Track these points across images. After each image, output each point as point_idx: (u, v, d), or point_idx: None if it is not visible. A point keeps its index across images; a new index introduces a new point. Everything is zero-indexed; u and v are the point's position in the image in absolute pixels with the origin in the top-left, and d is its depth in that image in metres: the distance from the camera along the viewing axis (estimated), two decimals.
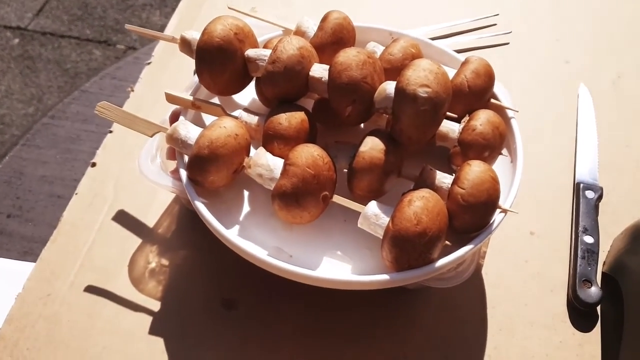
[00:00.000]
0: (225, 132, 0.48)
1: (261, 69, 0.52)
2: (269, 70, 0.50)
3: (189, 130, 0.50)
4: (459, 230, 0.48)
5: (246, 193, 0.54)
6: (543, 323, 0.57)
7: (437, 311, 0.57)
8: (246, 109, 0.54)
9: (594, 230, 0.61)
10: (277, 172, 0.48)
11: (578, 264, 0.59)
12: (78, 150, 0.70)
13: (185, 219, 0.63)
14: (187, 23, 0.82)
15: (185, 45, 0.55)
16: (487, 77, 0.55)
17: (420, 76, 0.46)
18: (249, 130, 0.52)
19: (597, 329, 0.57)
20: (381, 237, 0.47)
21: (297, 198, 0.46)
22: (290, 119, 0.50)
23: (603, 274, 0.60)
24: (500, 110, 0.56)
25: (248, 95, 0.60)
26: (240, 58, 0.52)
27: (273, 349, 0.54)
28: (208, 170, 0.48)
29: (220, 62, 0.51)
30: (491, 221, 0.48)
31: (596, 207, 0.63)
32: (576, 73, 0.79)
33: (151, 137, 0.53)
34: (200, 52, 0.51)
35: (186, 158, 0.52)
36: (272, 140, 0.50)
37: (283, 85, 0.50)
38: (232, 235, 0.48)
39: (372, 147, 0.48)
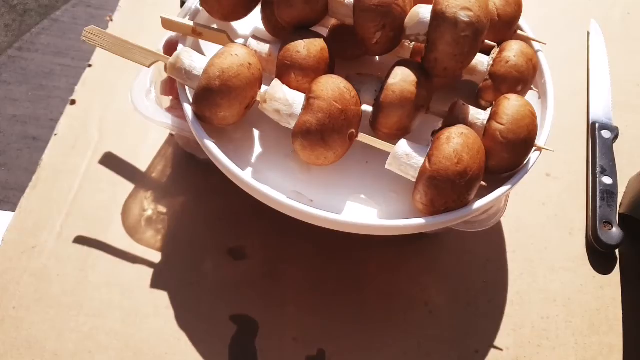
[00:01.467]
0: (238, 61, 0.43)
1: None
2: None
3: (193, 59, 0.44)
4: (493, 169, 0.44)
5: (256, 132, 0.49)
6: (563, 266, 0.55)
7: (457, 256, 0.54)
8: (254, 36, 0.48)
9: (612, 171, 0.59)
10: (297, 108, 0.43)
11: (598, 206, 0.57)
12: (53, 87, 0.63)
13: (181, 162, 0.57)
14: None
15: None
16: (517, 5, 0.51)
17: (464, 0, 0.41)
18: (260, 61, 0.46)
19: (617, 271, 0.55)
20: (412, 179, 0.44)
21: (323, 136, 0.42)
22: (309, 47, 0.45)
23: (620, 214, 0.58)
24: (526, 42, 0.52)
25: (251, 23, 0.54)
26: None
27: (282, 302, 0.50)
28: (219, 104, 0.43)
29: None
30: (526, 160, 0.45)
31: (612, 148, 0.61)
32: (585, 9, 0.75)
33: (148, 67, 0.47)
34: None
35: (189, 91, 0.46)
36: (289, 70, 0.45)
37: (301, 8, 0.45)
38: (250, 178, 0.43)
39: (402, 79, 0.44)
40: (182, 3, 0.66)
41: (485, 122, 0.45)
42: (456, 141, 0.41)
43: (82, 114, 0.59)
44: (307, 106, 0.42)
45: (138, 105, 0.49)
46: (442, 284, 0.52)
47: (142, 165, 0.56)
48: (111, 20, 0.66)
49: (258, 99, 0.45)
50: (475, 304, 0.52)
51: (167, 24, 0.48)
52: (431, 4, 0.43)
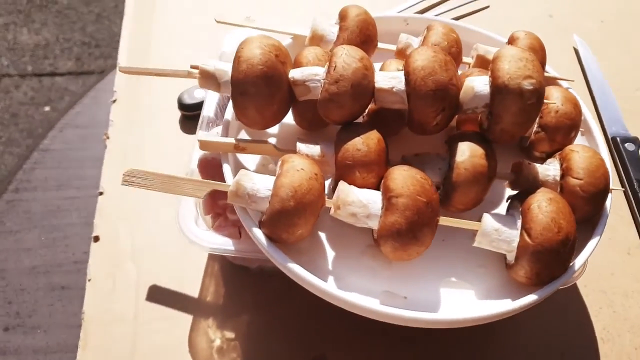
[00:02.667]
0: (306, 175, 0.40)
1: (314, 92, 0.44)
2: (332, 92, 0.42)
3: (255, 182, 0.41)
4: (577, 222, 0.44)
5: (322, 235, 0.46)
6: (635, 289, 0.55)
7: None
8: (299, 139, 0.46)
9: None
10: (374, 207, 0.41)
11: None
12: (66, 225, 0.58)
13: (233, 277, 0.53)
14: (142, 43, 0.70)
15: (208, 79, 0.45)
16: (542, 50, 0.51)
17: (520, 67, 0.40)
18: None
19: None
20: (505, 252, 0.42)
21: (415, 233, 0.40)
22: (367, 142, 0.43)
23: None
24: (555, 84, 0.53)
25: None
26: (285, 83, 0.44)
27: None
28: (296, 223, 0.40)
29: (269, 92, 0.43)
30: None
31: None
32: (562, 25, 0.77)
33: (203, 198, 0.43)
34: (242, 85, 0.42)
35: (251, 213, 0.43)
36: (353, 170, 0.43)
37: (351, 105, 0.43)
38: (340, 291, 0.40)
39: (471, 154, 0.42)
40: (182, 106, 0.63)
41: (556, 178, 0.44)
42: (550, 209, 0.40)
43: (110, 249, 0.55)
44: (389, 206, 0.40)
45: (193, 237, 0.46)
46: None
47: (192, 290, 0.53)
48: (108, 138, 0.61)
49: (329, 205, 0.42)
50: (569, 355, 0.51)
51: (205, 145, 0.45)
52: (485, 71, 0.42)
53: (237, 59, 0.43)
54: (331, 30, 0.53)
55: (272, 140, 0.50)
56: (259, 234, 0.42)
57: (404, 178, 0.40)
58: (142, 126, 0.63)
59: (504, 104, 0.41)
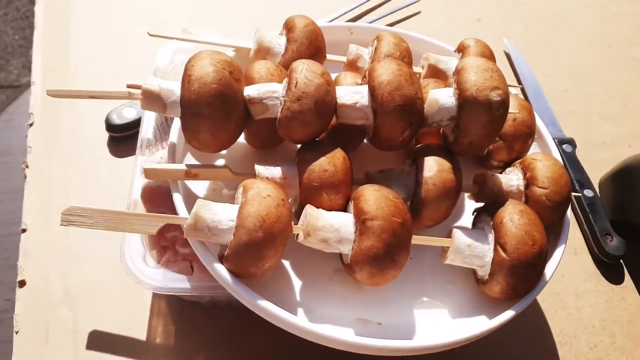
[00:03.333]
0: (273, 202, 0.37)
1: (272, 110, 0.41)
2: (295, 110, 0.39)
3: (215, 212, 0.38)
4: None
5: (285, 263, 0.43)
6: (585, 288, 0.56)
7: None
8: (258, 161, 0.42)
9: (589, 183, 0.62)
10: (347, 231, 0.38)
11: (592, 220, 0.59)
12: None
13: (183, 314, 0.49)
14: (59, 56, 0.64)
15: (152, 100, 0.41)
16: (492, 57, 0.51)
17: (487, 78, 0.39)
18: None
19: (627, 277, 0.58)
20: (477, 267, 0.41)
21: (393, 256, 0.38)
22: (334, 162, 0.40)
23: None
24: None
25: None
26: (241, 102, 0.40)
27: None
28: (266, 256, 0.37)
29: (225, 112, 0.39)
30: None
31: (577, 160, 0.64)
32: (491, 29, 0.79)
33: (156, 233, 0.39)
34: (194, 106, 0.38)
35: (207, 247, 0.39)
36: (320, 192, 0.40)
37: (315, 123, 0.40)
38: (314, 325, 0.38)
39: (439, 169, 0.41)
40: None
41: (520, 187, 0.44)
42: (522, 221, 0.39)
43: (39, 294, 0.48)
44: (364, 229, 0.37)
45: (143, 278, 0.41)
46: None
47: (139, 333, 0.48)
48: (27, 167, 0.55)
49: (296, 232, 0.39)
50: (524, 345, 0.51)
51: (152, 174, 0.41)
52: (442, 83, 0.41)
53: (187, 78, 0.39)
54: (277, 42, 0.50)
55: (221, 162, 0.47)
56: (221, 270, 0.38)
57: (377, 199, 0.38)
58: (66, 151, 0.57)
59: (472, 116, 0.39)
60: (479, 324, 0.40)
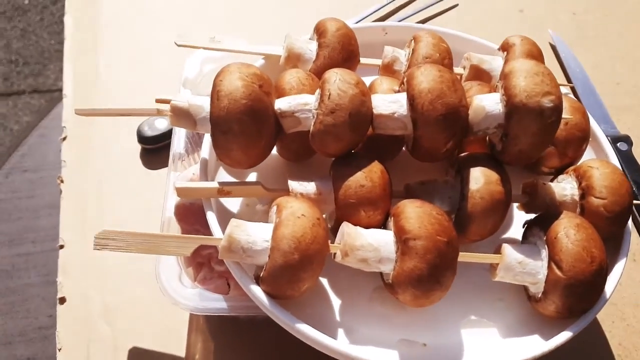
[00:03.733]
0: (308, 222, 0.35)
1: (305, 123, 0.39)
2: (328, 124, 0.37)
3: (249, 233, 0.36)
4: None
5: (323, 281, 0.41)
6: None
7: None
8: (291, 176, 0.41)
9: None
10: (387, 250, 0.36)
11: None
12: (23, 286, 0.51)
13: (222, 330, 0.48)
14: (88, 68, 0.63)
15: (181, 117, 0.39)
16: (541, 56, 0.47)
17: (537, 83, 0.36)
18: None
19: None
20: (529, 285, 0.38)
21: (438, 278, 0.35)
22: (371, 177, 0.38)
23: None
24: None
25: None
26: (272, 116, 0.39)
27: None
28: (303, 278, 0.35)
29: (255, 129, 0.37)
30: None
31: (634, 159, 0.60)
32: (534, 20, 0.74)
33: (190, 255, 0.38)
34: (224, 123, 0.37)
35: (245, 266, 0.38)
36: (357, 209, 0.38)
37: (350, 136, 0.38)
38: (355, 349, 0.36)
39: (487, 181, 0.38)
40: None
41: (574, 197, 0.41)
42: (579, 236, 0.36)
43: (79, 311, 0.48)
44: (406, 249, 0.35)
45: (179, 298, 0.40)
46: None
47: (178, 349, 0.47)
48: (62, 181, 0.54)
49: (333, 251, 0.37)
50: None
51: (184, 192, 0.39)
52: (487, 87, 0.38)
53: (216, 94, 0.37)
54: (308, 47, 0.47)
55: (253, 176, 0.45)
56: (258, 292, 0.36)
57: (420, 216, 0.36)
58: (99, 165, 0.56)
59: (522, 124, 0.37)
60: (532, 345, 0.37)
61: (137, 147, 0.58)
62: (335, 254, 0.37)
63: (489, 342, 0.39)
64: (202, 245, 0.43)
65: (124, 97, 0.60)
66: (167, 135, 0.57)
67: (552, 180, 0.44)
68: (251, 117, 0.37)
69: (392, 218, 0.37)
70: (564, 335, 0.37)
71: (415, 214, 0.36)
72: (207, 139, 0.44)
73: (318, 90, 0.39)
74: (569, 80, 0.67)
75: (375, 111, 0.39)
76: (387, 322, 0.40)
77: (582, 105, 0.45)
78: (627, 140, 0.61)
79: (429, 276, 0.35)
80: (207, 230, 0.41)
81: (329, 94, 0.37)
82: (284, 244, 0.34)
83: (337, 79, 0.38)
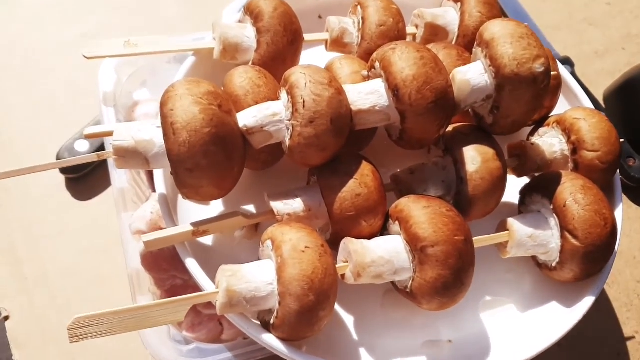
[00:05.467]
0: (315, 254, 0.31)
1: (277, 136, 0.34)
2: (309, 135, 0.32)
3: (249, 280, 0.31)
4: None
5: None
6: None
7: None
8: (270, 196, 0.35)
9: (597, 105, 0.58)
10: (401, 259, 0.33)
11: None
12: None
13: None
14: None
15: (128, 157, 0.32)
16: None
17: (525, 47, 0.33)
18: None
19: None
20: (542, 255, 0.37)
21: (462, 280, 0.33)
22: (364, 182, 0.34)
23: None
24: None
25: None
26: (239, 137, 0.33)
27: None
28: (322, 317, 0.31)
29: (225, 157, 0.32)
30: None
31: (579, 81, 0.59)
32: None
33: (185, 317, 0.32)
34: (188, 160, 0.31)
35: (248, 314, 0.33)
36: (358, 220, 0.34)
37: (334, 143, 0.33)
38: None
39: (484, 159, 0.35)
40: None
41: (564, 153, 0.39)
42: (588, 200, 0.35)
43: None
44: (425, 258, 0.32)
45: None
46: None
47: None
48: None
49: (341, 272, 0.33)
50: None
51: (154, 244, 0.33)
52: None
53: (170, 127, 0.31)
54: (244, 34, 0.41)
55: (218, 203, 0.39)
56: (272, 341, 0.32)
57: (431, 219, 0.32)
58: (22, 210, 0.48)
59: (516, 95, 0.33)
60: (558, 318, 0.36)
61: (61, 179, 0.50)
62: (344, 275, 0.33)
63: (512, 321, 0.38)
64: (181, 287, 0.38)
65: (36, 140, 0.52)
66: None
67: (532, 133, 0.42)
68: (218, 146, 0.31)
69: (399, 222, 0.34)
70: (588, 302, 0.36)
71: (426, 217, 0.32)
72: (159, 172, 0.37)
73: (284, 95, 0.33)
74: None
75: (353, 107, 0.34)
76: (406, 327, 0.37)
77: (549, 49, 0.43)
78: (569, 61, 0.60)
79: (454, 281, 0.32)
80: (186, 275, 0.36)
81: (303, 102, 0.32)
82: (295, 287, 0.30)
83: (308, 82, 0.32)
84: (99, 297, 0.45)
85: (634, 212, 0.54)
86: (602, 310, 0.49)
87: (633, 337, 0.48)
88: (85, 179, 0.50)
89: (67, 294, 0.45)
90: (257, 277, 0.31)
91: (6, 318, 0.43)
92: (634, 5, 0.66)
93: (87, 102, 0.52)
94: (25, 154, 0.51)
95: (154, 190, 0.41)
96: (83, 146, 0.49)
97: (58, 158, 0.49)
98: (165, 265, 0.37)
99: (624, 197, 0.55)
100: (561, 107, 0.44)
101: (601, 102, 0.59)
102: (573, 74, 0.59)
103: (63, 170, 0.49)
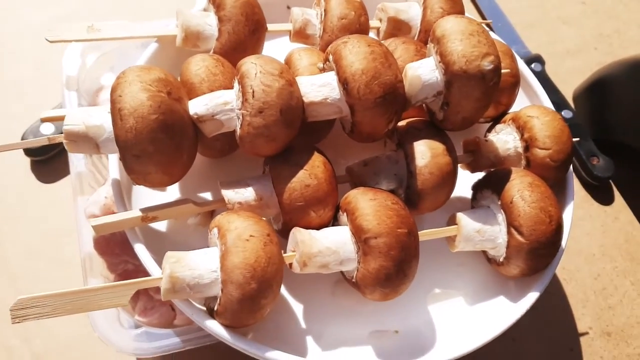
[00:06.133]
0: (259, 243, 0.31)
1: (228, 124, 0.34)
2: (258, 125, 0.32)
3: (192, 267, 0.32)
4: None
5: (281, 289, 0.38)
6: (578, 216, 0.54)
7: None
8: (223, 184, 0.36)
9: (565, 103, 0.58)
10: (347, 250, 0.34)
11: (575, 144, 0.56)
12: None
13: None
14: None
15: (79, 142, 0.33)
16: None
17: (474, 44, 0.33)
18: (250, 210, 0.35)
19: (618, 196, 0.56)
20: (489, 250, 0.38)
21: (405, 271, 0.33)
22: (314, 173, 0.34)
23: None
24: None
25: None
26: (189, 124, 0.33)
27: None
28: (264, 305, 0.32)
29: (173, 144, 0.32)
30: None
31: (549, 79, 0.60)
32: None
33: (128, 304, 0.33)
34: (135, 146, 0.31)
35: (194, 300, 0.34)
36: (306, 211, 0.34)
37: (284, 134, 0.33)
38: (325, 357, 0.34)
39: (433, 154, 0.36)
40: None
41: (517, 149, 0.39)
42: (534, 197, 0.35)
43: None
44: (368, 249, 0.32)
45: (122, 344, 0.35)
46: None
47: None
48: None
49: (288, 262, 0.34)
50: None
51: (103, 229, 0.34)
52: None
53: (117, 112, 0.31)
54: (206, 22, 0.41)
55: (174, 186, 0.40)
56: (216, 327, 0.33)
57: (376, 211, 0.33)
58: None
59: (464, 92, 0.34)
60: (503, 312, 0.37)
61: (26, 161, 0.50)
62: (291, 264, 0.34)
63: (460, 313, 0.38)
64: (133, 271, 0.39)
65: (3, 122, 0.52)
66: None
67: (489, 130, 0.42)
68: (166, 133, 0.31)
69: (346, 214, 0.34)
70: (532, 297, 0.36)
71: (371, 209, 0.33)
72: (114, 157, 0.37)
73: (237, 85, 0.34)
74: (474, 2, 0.65)
75: (305, 99, 0.34)
76: (355, 316, 0.38)
77: (508, 46, 0.43)
78: (539, 60, 0.60)
79: (396, 272, 0.33)
80: (137, 260, 0.36)
81: (252, 92, 0.32)
82: (237, 275, 0.30)
83: (258, 72, 0.32)
84: (58, 279, 0.45)
85: (596, 210, 0.55)
86: (559, 306, 0.50)
87: (587, 333, 0.48)
88: (51, 161, 0.50)
89: (27, 276, 0.46)
90: (201, 265, 0.32)
91: None
92: (608, 5, 0.67)
93: (55, 85, 0.52)
94: None
95: None
96: (48, 129, 0.49)
97: (23, 140, 0.49)
98: (117, 249, 0.37)
99: (587, 196, 0.56)
100: (523, 104, 0.44)
101: (571, 102, 0.60)
102: (543, 72, 0.59)
103: (28, 153, 0.49)
